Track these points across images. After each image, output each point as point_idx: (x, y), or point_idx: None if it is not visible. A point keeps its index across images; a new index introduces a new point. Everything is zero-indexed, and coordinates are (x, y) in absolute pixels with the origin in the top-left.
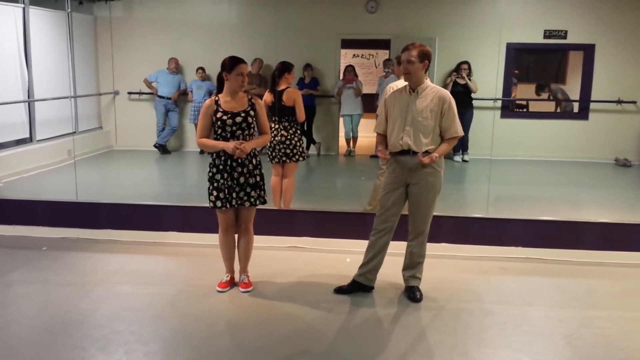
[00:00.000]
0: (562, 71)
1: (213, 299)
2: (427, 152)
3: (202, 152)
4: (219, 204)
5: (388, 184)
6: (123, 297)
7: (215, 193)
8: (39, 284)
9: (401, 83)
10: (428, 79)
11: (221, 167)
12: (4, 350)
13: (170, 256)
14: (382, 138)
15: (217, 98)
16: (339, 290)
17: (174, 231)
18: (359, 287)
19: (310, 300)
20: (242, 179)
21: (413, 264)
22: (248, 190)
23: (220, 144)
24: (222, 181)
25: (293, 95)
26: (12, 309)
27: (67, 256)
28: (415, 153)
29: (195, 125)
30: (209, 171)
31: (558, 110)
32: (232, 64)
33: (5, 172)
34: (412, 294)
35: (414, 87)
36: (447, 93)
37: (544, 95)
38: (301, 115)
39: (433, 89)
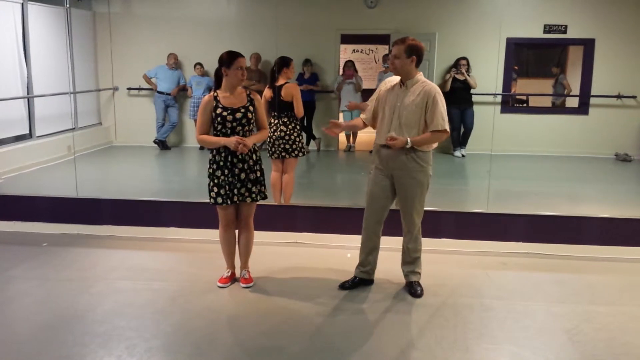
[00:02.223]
0: (562, 66)
1: (214, 295)
2: (412, 148)
3: (202, 148)
4: (219, 200)
5: (373, 176)
6: (124, 293)
7: (216, 189)
8: (39, 280)
9: (398, 78)
10: (420, 73)
11: (221, 163)
12: (5, 346)
13: (170, 252)
14: (359, 122)
15: (215, 94)
16: (343, 287)
17: (174, 227)
18: (360, 282)
19: (311, 296)
20: (242, 175)
21: (410, 259)
22: (249, 186)
23: (222, 140)
24: (222, 177)
25: (291, 91)
26: (13, 305)
27: (67, 252)
28: (401, 148)
29: (195, 121)
30: (209, 167)
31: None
32: (230, 58)
33: (5, 168)
34: (412, 289)
35: (403, 81)
36: (434, 88)
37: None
38: (299, 110)
39: (423, 83)
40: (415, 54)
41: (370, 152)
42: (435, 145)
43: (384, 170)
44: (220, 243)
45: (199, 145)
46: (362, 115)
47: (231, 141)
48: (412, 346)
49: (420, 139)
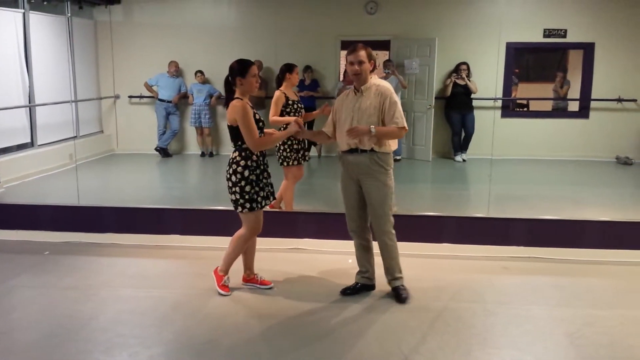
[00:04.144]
0: (562, 70)
1: (216, 302)
2: (372, 151)
3: (203, 154)
4: (264, 203)
5: (342, 182)
6: (126, 301)
7: (262, 193)
8: (41, 288)
9: (385, 83)
10: (373, 76)
11: (262, 166)
12: (8, 355)
13: (172, 259)
14: (322, 134)
15: (246, 101)
16: (344, 293)
17: (176, 234)
18: (362, 288)
19: (313, 302)
20: (267, 175)
21: (386, 267)
22: (269, 185)
23: (283, 133)
24: (264, 180)
25: (273, 98)
26: (16, 313)
27: (69, 260)
28: (363, 151)
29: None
30: (250, 174)
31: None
32: (244, 67)
33: (7, 177)
34: (396, 295)
35: (358, 88)
36: (387, 88)
37: (559, 79)
38: (271, 117)
39: (376, 85)
40: (372, 58)
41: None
42: (395, 147)
43: (349, 175)
44: (238, 249)
45: (200, 152)
46: (324, 128)
47: (293, 128)
48: (414, 351)
49: (385, 129)
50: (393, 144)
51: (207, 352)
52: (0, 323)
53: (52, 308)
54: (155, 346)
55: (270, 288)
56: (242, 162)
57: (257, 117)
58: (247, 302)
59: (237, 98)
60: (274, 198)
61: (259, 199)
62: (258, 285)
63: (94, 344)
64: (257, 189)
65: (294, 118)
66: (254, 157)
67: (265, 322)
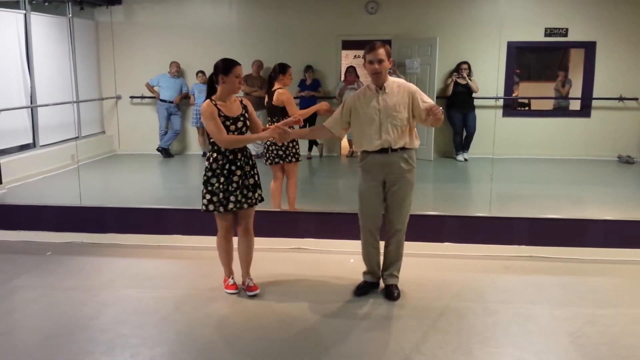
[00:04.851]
0: (563, 69)
1: (218, 302)
2: (403, 149)
3: (204, 154)
4: (211, 207)
5: (366, 182)
6: (128, 301)
7: (208, 196)
8: (43, 289)
9: (400, 80)
10: (388, 74)
11: (218, 171)
12: (10, 355)
13: (174, 259)
14: (319, 132)
15: (214, 102)
16: (357, 293)
17: (177, 234)
18: (370, 286)
19: (314, 302)
20: (240, 182)
21: (390, 263)
22: (245, 192)
23: (254, 136)
24: (217, 185)
25: (281, 97)
26: (18, 314)
27: (71, 260)
28: (394, 150)
29: (198, 128)
30: (204, 175)
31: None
32: (228, 66)
33: (9, 177)
34: (389, 292)
35: (380, 85)
36: (409, 84)
37: (560, 78)
38: (296, 115)
39: (396, 82)
40: (390, 56)
41: (349, 155)
42: (419, 143)
43: (376, 176)
44: (218, 252)
45: (202, 152)
46: (327, 124)
47: (265, 135)
48: (416, 350)
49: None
50: (418, 140)
51: (209, 352)
52: (2, 324)
53: (54, 308)
54: (157, 346)
55: (254, 295)
56: (206, 163)
57: (242, 124)
58: (248, 302)
59: (208, 98)
60: (250, 205)
61: (205, 201)
62: (246, 291)
63: (96, 344)
64: (207, 189)
65: (317, 106)
66: (211, 160)
67: (267, 322)
